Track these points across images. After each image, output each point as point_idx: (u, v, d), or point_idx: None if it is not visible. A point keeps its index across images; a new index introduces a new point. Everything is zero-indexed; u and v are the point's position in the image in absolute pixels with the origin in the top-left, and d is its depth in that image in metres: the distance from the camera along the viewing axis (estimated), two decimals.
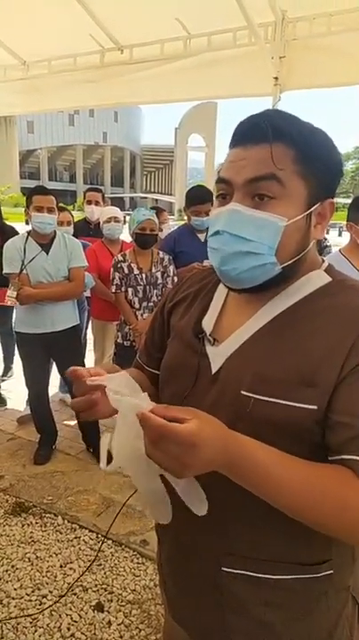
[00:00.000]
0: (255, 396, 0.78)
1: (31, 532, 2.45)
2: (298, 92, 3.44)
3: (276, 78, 3.11)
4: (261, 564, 0.83)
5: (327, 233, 3.89)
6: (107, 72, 3.80)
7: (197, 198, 3.12)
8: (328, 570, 0.84)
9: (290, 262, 0.79)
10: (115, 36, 3.60)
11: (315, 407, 0.74)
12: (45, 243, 2.88)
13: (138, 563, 2.27)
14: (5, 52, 3.98)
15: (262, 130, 0.75)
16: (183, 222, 3.46)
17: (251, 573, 0.84)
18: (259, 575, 0.84)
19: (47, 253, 2.88)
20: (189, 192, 3.26)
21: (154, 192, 68.06)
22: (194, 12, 3.21)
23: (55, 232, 2.94)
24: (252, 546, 0.83)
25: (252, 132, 0.77)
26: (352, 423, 0.72)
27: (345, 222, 2.38)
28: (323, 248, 3.49)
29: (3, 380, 4.28)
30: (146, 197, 58.48)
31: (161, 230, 3.93)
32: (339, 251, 2.73)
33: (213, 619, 0.90)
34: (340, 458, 0.73)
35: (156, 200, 56.42)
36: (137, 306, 3.10)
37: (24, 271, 2.81)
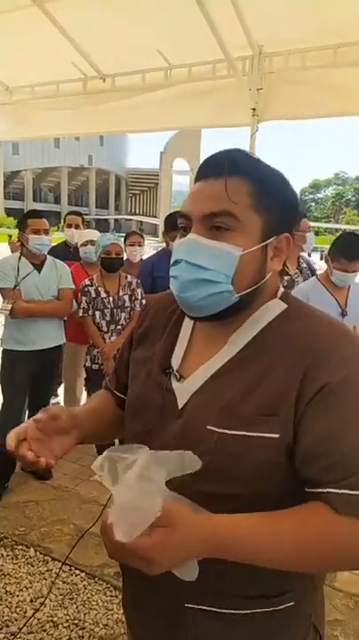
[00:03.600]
0: (219, 430, 0.78)
1: (1, 565, 2.36)
2: (277, 122, 3.55)
3: (254, 109, 3.21)
4: (224, 598, 0.83)
5: (309, 256, 3.98)
6: (89, 100, 3.87)
7: (175, 224, 3.15)
8: (289, 601, 0.84)
9: (247, 291, 0.81)
10: (98, 64, 3.68)
11: (277, 435, 0.75)
12: (38, 263, 3.03)
13: (111, 596, 2.20)
14: None
15: (221, 165, 0.79)
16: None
17: (214, 609, 0.84)
18: (223, 610, 0.83)
19: (39, 272, 3.02)
20: (168, 217, 3.30)
21: (139, 214, 68.63)
22: (174, 44, 3.31)
23: (46, 255, 3.09)
24: (214, 580, 0.82)
25: (213, 166, 0.81)
26: (321, 453, 0.73)
27: (326, 246, 2.46)
28: (301, 269, 3.51)
29: None
30: (131, 219, 58.97)
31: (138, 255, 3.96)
32: (316, 277, 2.78)
33: None
34: (315, 491, 0.75)
35: (141, 222, 56.92)
36: (104, 329, 3.15)
37: (17, 287, 2.92)
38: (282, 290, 0.89)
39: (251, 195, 0.78)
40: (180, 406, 0.85)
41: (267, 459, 0.76)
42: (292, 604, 0.84)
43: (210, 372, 0.84)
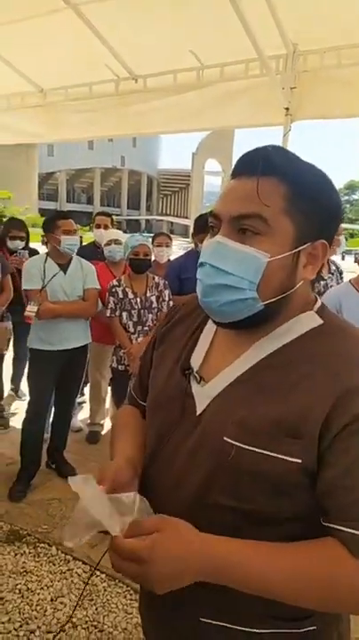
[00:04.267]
0: (238, 444, 0.75)
1: (24, 562, 2.38)
2: (311, 122, 3.48)
3: (287, 109, 3.14)
4: (239, 615, 0.80)
5: (342, 259, 3.92)
6: (121, 101, 3.88)
7: (204, 226, 3.14)
8: (311, 625, 0.80)
9: (273, 300, 0.76)
10: (130, 65, 3.68)
11: (299, 461, 0.71)
12: (63, 263, 3.03)
13: (131, 599, 2.19)
14: (23, 79, 4.09)
15: (255, 163, 0.74)
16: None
17: (230, 625, 0.81)
18: (238, 627, 0.80)
19: (65, 273, 3.02)
20: (198, 219, 3.29)
21: (170, 215, 68.85)
22: (206, 44, 3.28)
23: (72, 254, 3.09)
24: (230, 597, 0.78)
25: (247, 164, 0.76)
26: (343, 489, 0.70)
27: None
28: (333, 272, 3.45)
29: (15, 398, 4.28)
30: (161, 220, 59.16)
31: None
32: (349, 281, 2.69)
33: None
34: (332, 526, 0.71)
35: (172, 223, 57.06)
36: (131, 330, 3.14)
37: (44, 289, 2.94)
38: (319, 303, 0.84)
39: (285, 197, 0.73)
40: (199, 412, 0.82)
41: (288, 480, 0.72)
42: (314, 628, 0.80)
43: (231, 378, 0.80)
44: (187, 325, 0.96)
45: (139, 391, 1.07)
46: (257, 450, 0.73)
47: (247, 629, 0.80)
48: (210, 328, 0.90)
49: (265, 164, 0.73)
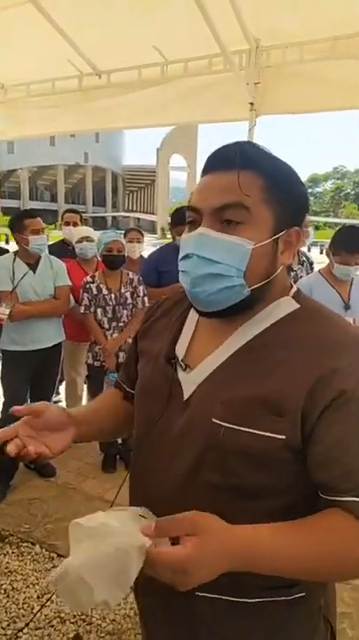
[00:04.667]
0: (225, 424, 0.78)
1: (7, 563, 2.37)
2: (275, 116, 3.55)
3: (252, 104, 3.19)
4: (234, 587, 0.83)
5: (309, 251, 4.01)
6: (84, 97, 3.84)
7: (182, 218, 3.17)
8: (300, 592, 0.84)
9: (258, 285, 0.80)
10: (93, 61, 3.65)
11: (283, 437, 0.75)
12: (32, 262, 3.00)
13: None
14: None
15: (232, 157, 0.77)
16: (166, 241, 3.50)
17: (225, 597, 0.84)
18: (233, 599, 0.84)
19: (34, 272, 2.98)
20: (176, 212, 3.34)
21: (136, 211, 68.49)
22: (170, 39, 3.28)
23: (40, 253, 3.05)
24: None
25: (223, 159, 0.79)
26: (336, 461, 0.74)
27: (326, 240, 2.48)
28: (301, 262, 3.55)
29: None
30: (128, 217, 58.83)
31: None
32: (319, 271, 2.78)
33: None
34: (336, 499, 0.75)
35: (138, 219, 56.80)
36: (106, 326, 3.15)
37: (14, 290, 2.89)
38: (295, 289, 0.88)
39: (263, 188, 0.78)
40: (186, 397, 0.85)
41: (272, 456, 0.76)
42: (303, 594, 0.85)
43: (216, 364, 0.84)
44: (170, 317, 1.00)
45: (125, 379, 1.12)
46: (244, 429, 0.77)
47: (241, 600, 0.84)
48: (192, 318, 0.94)
49: (243, 158, 0.77)
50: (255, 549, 0.70)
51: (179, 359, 0.89)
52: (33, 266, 2.99)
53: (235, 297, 0.80)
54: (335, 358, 0.75)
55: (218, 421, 0.79)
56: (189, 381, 0.86)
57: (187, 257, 0.81)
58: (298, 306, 0.84)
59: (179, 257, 0.84)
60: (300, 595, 0.84)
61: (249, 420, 0.77)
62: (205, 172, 0.82)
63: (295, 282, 3.09)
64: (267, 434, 0.75)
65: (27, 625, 2.01)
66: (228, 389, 0.80)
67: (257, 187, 0.77)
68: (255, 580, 0.81)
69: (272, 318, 0.83)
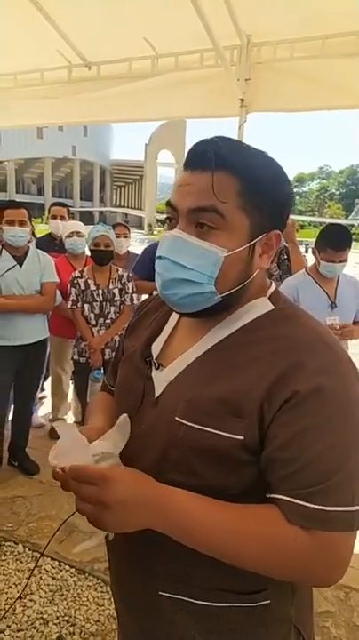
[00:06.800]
0: (186, 422, 0.79)
1: None
2: (263, 115, 3.52)
3: (242, 100, 3.17)
4: (194, 589, 0.83)
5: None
6: (73, 88, 3.78)
7: None
8: (264, 599, 0.83)
9: (230, 292, 0.79)
10: (83, 52, 3.59)
11: (241, 437, 0.75)
12: (19, 256, 2.94)
13: (102, 591, 2.19)
14: None
15: (209, 157, 0.75)
16: (153, 237, 3.46)
17: (186, 598, 0.83)
18: (195, 601, 0.83)
19: (20, 266, 2.91)
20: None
21: (123, 206, 68.14)
22: (161, 32, 3.24)
23: (29, 247, 2.98)
24: (185, 570, 0.83)
25: (199, 158, 0.77)
26: (283, 461, 0.73)
27: (310, 239, 2.48)
28: (282, 261, 3.49)
29: None
30: (115, 212, 58.52)
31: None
32: (305, 270, 2.78)
33: None
34: (271, 496, 0.75)
35: (126, 214, 56.54)
36: (93, 322, 3.11)
37: None
38: (273, 289, 0.88)
39: (239, 194, 0.75)
40: (156, 395, 0.86)
41: (231, 456, 0.75)
42: (268, 602, 0.83)
43: (186, 363, 0.84)
44: (154, 315, 1.00)
45: (111, 379, 1.12)
46: (203, 428, 0.77)
47: (204, 603, 0.83)
48: (174, 316, 0.95)
49: (217, 159, 0.74)
50: (179, 508, 0.73)
51: (154, 357, 0.90)
52: (19, 259, 2.93)
53: (205, 302, 0.80)
54: (301, 357, 0.74)
55: (180, 420, 0.79)
56: (161, 379, 0.86)
57: (160, 258, 0.81)
58: (272, 307, 0.84)
59: (156, 256, 0.83)
60: (265, 602, 0.83)
61: (209, 419, 0.77)
62: (185, 167, 0.80)
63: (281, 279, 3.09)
64: (226, 434, 0.75)
65: (8, 627, 1.97)
66: (194, 389, 0.80)
67: (232, 191, 0.75)
68: (214, 581, 0.82)
69: (246, 319, 0.83)
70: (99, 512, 0.70)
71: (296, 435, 0.72)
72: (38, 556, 2.38)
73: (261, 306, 0.84)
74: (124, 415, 0.83)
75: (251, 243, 0.78)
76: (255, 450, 0.75)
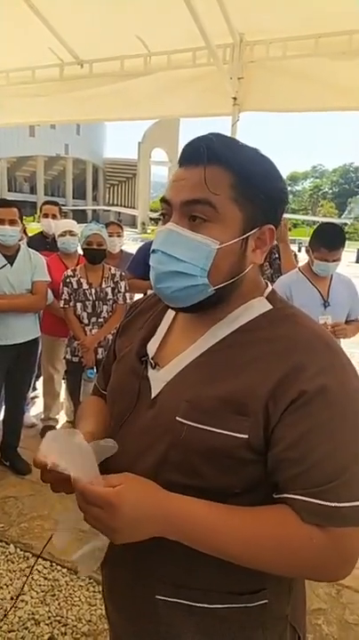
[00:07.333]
0: (189, 422, 0.78)
1: None
2: (257, 113, 3.53)
3: (235, 99, 3.17)
4: (193, 592, 0.83)
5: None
6: (65, 86, 3.76)
7: None
8: (262, 599, 0.83)
9: (223, 285, 0.79)
10: (75, 50, 3.58)
11: (245, 436, 0.74)
12: (10, 255, 2.91)
13: (94, 591, 2.18)
14: None
15: (200, 152, 0.76)
16: (146, 235, 3.46)
17: (184, 602, 0.83)
18: (192, 604, 0.83)
19: (11, 265, 2.89)
20: None
21: (117, 205, 67.93)
22: (154, 30, 3.23)
23: (20, 245, 2.95)
24: (184, 573, 0.83)
25: (192, 153, 0.78)
26: (292, 461, 0.73)
27: (304, 238, 2.48)
28: (273, 260, 3.48)
29: None
30: (108, 210, 58.33)
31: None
32: (299, 269, 2.79)
33: None
34: (283, 496, 0.74)
35: (119, 213, 56.39)
36: (85, 321, 3.10)
37: None
38: (270, 289, 0.88)
39: (231, 186, 0.76)
40: (153, 395, 0.85)
41: (235, 455, 0.75)
42: (266, 602, 0.83)
43: (184, 363, 0.83)
44: (148, 315, 0.99)
45: (102, 382, 1.10)
46: (206, 427, 0.76)
47: (201, 605, 0.83)
48: (169, 316, 0.94)
49: (209, 153, 0.75)
50: (189, 516, 0.72)
51: (150, 357, 0.89)
52: (10, 258, 2.90)
53: (198, 295, 0.79)
54: (303, 358, 0.75)
55: (181, 420, 0.78)
56: (158, 379, 0.86)
57: (154, 252, 0.81)
58: (270, 307, 0.84)
59: (150, 250, 0.83)
60: (262, 602, 0.83)
61: (212, 418, 0.76)
62: (179, 164, 0.81)
63: (272, 279, 3.08)
64: (230, 433, 0.75)
65: (0, 628, 1.96)
66: (194, 388, 0.80)
67: (225, 184, 0.76)
68: (214, 584, 0.82)
69: (244, 319, 0.83)
70: (108, 533, 0.71)
71: (304, 434, 0.72)
72: (32, 558, 2.37)
73: (259, 306, 0.84)
74: (112, 442, 0.81)
75: (245, 236, 0.78)
76: (259, 449, 0.75)
